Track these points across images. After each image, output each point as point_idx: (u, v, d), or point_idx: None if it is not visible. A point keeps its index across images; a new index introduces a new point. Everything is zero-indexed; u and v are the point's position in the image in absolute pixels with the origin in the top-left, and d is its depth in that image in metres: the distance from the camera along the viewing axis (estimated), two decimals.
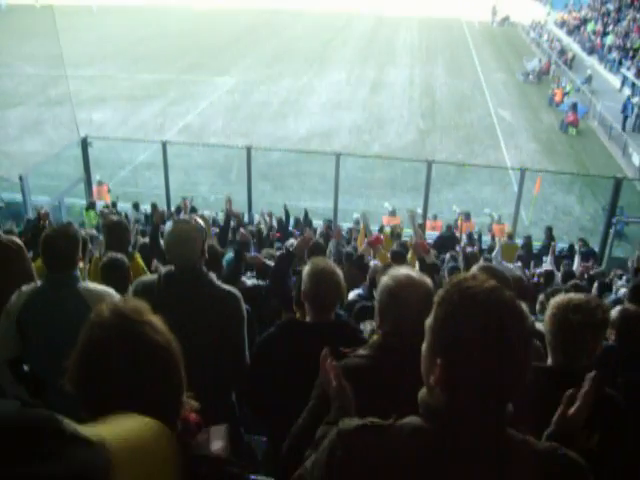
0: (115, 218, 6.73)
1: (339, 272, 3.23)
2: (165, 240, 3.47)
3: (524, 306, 1.65)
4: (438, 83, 34.02)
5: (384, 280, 2.55)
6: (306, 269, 3.27)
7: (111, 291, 3.57)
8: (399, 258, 7.57)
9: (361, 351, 2.51)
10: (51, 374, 3.42)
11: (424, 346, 1.67)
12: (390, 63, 37.90)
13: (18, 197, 14.82)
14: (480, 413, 1.56)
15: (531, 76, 35.17)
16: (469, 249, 10.76)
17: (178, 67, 35.41)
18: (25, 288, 3.50)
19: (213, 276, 3.52)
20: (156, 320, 1.68)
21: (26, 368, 3.51)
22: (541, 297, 6.96)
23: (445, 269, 8.64)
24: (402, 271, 2.56)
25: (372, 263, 8.60)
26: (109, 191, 17.70)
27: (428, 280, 2.53)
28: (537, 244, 14.61)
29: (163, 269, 3.54)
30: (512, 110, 29.67)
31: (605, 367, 2.87)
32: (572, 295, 2.80)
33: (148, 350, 1.61)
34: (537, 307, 6.80)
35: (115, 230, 5.68)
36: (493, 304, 1.54)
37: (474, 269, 3.47)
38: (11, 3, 55.69)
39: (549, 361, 2.79)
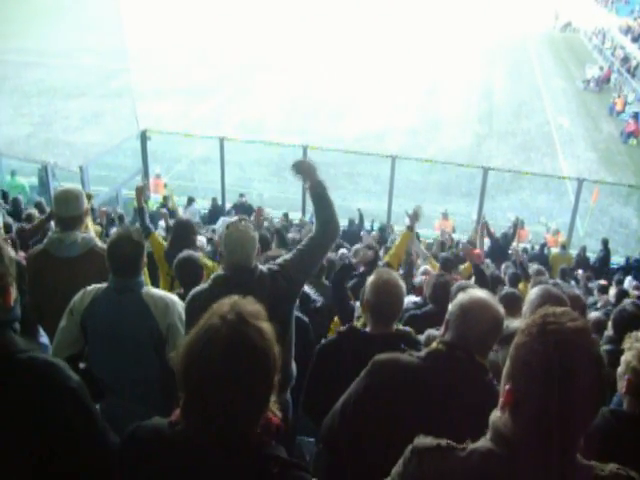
0: (184, 218, 6.86)
1: (402, 284, 3.25)
2: (225, 242, 3.41)
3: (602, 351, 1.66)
4: (496, 88, 33.65)
5: (461, 295, 2.64)
6: (370, 279, 3.31)
7: (175, 298, 3.56)
8: (450, 266, 7.50)
9: (416, 353, 2.59)
10: (109, 376, 3.50)
11: (504, 369, 1.71)
12: (448, 66, 37.57)
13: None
14: (543, 443, 1.58)
15: (592, 84, 34.52)
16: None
17: (237, 62, 35.57)
18: (90, 288, 3.48)
19: (266, 269, 3.46)
20: (267, 327, 1.78)
21: (82, 365, 3.46)
22: (596, 314, 6.82)
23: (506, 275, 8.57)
24: (479, 292, 2.67)
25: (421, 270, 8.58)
26: (165, 185, 17.95)
27: (501, 309, 2.60)
28: (591, 255, 14.43)
29: (213, 274, 3.50)
30: (571, 118, 29.22)
31: None
32: None
33: (248, 352, 1.71)
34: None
35: (182, 230, 5.79)
36: (570, 346, 1.54)
37: (533, 290, 3.48)
38: None
39: (624, 403, 2.73)
